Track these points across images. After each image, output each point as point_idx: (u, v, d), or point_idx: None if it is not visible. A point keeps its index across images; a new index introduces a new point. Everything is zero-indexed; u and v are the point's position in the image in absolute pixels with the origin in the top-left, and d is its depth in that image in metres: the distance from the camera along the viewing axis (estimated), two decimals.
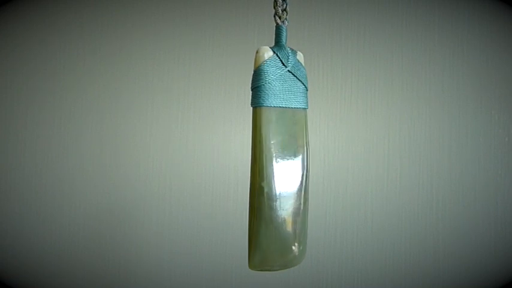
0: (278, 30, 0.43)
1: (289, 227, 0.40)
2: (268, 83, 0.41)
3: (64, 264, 0.76)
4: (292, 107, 0.41)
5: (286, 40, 0.43)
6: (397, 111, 0.71)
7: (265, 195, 0.40)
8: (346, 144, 0.71)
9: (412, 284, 0.71)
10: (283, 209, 0.40)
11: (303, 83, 0.42)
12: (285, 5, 0.42)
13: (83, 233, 0.75)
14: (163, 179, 0.74)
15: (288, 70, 0.41)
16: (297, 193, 0.40)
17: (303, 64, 0.43)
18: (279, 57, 0.41)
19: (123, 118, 0.75)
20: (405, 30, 0.71)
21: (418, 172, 0.70)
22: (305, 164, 0.41)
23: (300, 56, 0.43)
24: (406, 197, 0.70)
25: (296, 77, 0.42)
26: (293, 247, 0.40)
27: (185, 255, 0.74)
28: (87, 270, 0.75)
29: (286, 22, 0.43)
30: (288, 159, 0.40)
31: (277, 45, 0.42)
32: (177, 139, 0.74)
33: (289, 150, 0.40)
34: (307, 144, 0.41)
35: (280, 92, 0.41)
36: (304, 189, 0.41)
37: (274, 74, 0.41)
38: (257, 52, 0.41)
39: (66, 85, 0.76)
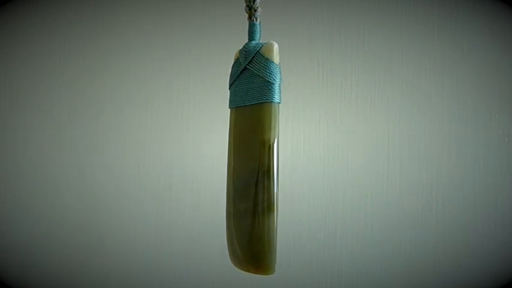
0: (248, 27, 0.43)
1: (238, 228, 0.39)
2: (231, 84, 0.41)
3: (63, 265, 0.76)
4: (250, 104, 0.40)
5: (259, 37, 0.42)
6: (396, 111, 0.70)
7: (226, 193, 0.40)
8: (346, 143, 0.71)
9: (412, 285, 0.71)
10: (236, 209, 0.39)
11: (261, 77, 0.40)
12: (251, 2, 0.42)
13: (82, 234, 0.76)
14: (164, 179, 0.74)
15: (245, 67, 0.41)
16: (249, 193, 0.39)
17: (272, 54, 0.41)
18: (239, 57, 0.42)
19: (122, 117, 0.75)
20: (405, 29, 0.71)
21: (418, 173, 0.70)
22: (263, 162, 0.39)
23: (267, 48, 0.41)
24: (405, 197, 0.70)
25: (254, 71, 0.40)
26: (238, 250, 0.39)
27: (185, 255, 0.74)
28: (87, 270, 0.76)
29: (254, 18, 0.42)
30: (245, 158, 0.39)
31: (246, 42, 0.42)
32: (177, 137, 0.74)
33: (247, 150, 0.39)
34: (267, 140, 0.39)
35: (240, 90, 0.41)
36: (257, 190, 0.38)
37: (234, 74, 0.41)
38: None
39: (65, 84, 0.76)
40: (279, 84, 0.40)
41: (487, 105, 0.69)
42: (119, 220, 0.75)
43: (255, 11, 0.42)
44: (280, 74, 0.41)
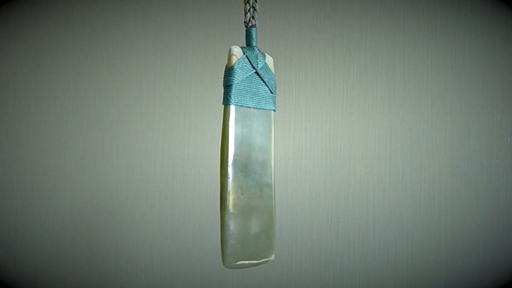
0: (247, 32, 0.44)
1: None
2: (237, 83, 0.43)
3: (64, 264, 0.76)
4: (257, 107, 0.43)
5: (256, 41, 0.44)
6: (399, 111, 0.70)
7: None
8: (348, 142, 0.71)
9: (413, 284, 0.71)
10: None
11: (268, 87, 0.44)
12: (248, 7, 0.44)
13: (83, 233, 0.76)
14: (166, 177, 0.74)
15: (256, 72, 0.43)
16: None
17: (272, 68, 0.45)
18: (249, 59, 0.43)
19: (124, 116, 0.75)
20: (407, 30, 0.71)
21: (420, 172, 0.70)
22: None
23: (268, 60, 0.44)
24: (408, 197, 0.70)
25: (262, 79, 0.44)
26: None
27: (187, 253, 0.74)
28: (87, 270, 0.76)
29: (253, 22, 0.44)
30: (248, 154, 0.43)
31: (248, 46, 0.44)
32: (179, 136, 0.74)
33: (250, 146, 0.43)
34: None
35: (247, 92, 0.43)
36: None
37: (242, 74, 0.43)
38: (230, 51, 0.43)
39: (67, 84, 0.76)
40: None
41: (489, 105, 0.69)
42: (121, 219, 0.75)
43: (250, 16, 0.44)
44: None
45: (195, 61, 0.75)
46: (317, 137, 0.72)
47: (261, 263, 0.43)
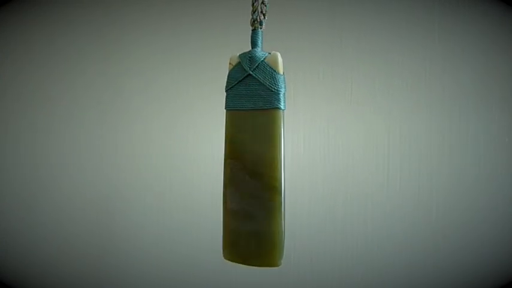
0: (251, 35, 0.45)
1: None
2: (230, 88, 0.44)
3: (63, 265, 0.76)
4: (255, 109, 0.44)
5: (261, 44, 0.45)
6: (397, 111, 0.70)
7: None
8: (347, 144, 0.71)
9: (413, 285, 0.71)
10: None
11: (264, 85, 0.43)
12: (253, 11, 0.45)
13: (82, 232, 0.76)
14: (164, 180, 0.74)
15: (249, 74, 0.44)
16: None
17: (278, 64, 0.44)
18: (241, 63, 0.44)
19: (123, 119, 0.76)
20: (405, 31, 0.71)
21: (418, 173, 0.70)
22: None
23: (270, 57, 0.44)
24: (406, 199, 0.70)
25: (258, 80, 0.44)
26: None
27: (185, 256, 0.74)
28: (86, 269, 0.76)
29: (258, 26, 0.45)
30: (247, 157, 0.43)
31: (250, 50, 0.45)
32: (177, 139, 0.74)
33: (250, 148, 0.43)
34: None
35: (242, 95, 0.44)
36: (264, 188, 0.42)
37: (235, 79, 0.44)
38: (229, 60, 0.45)
39: (64, 84, 0.77)
40: (284, 93, 0.44)
41: (487, 106, 0.69)
42: (119, 221, 0.75)
43: (254, 20, 0.45)
44: (284, 83, 0.44)
45: (193, 64, 0.75)
46: (315, 139, 0.72)
47: (262, 265, 0.43)
